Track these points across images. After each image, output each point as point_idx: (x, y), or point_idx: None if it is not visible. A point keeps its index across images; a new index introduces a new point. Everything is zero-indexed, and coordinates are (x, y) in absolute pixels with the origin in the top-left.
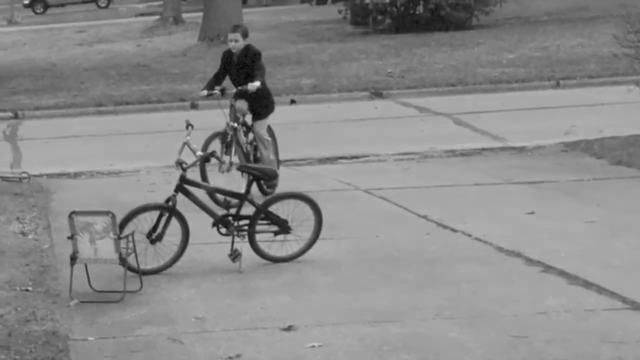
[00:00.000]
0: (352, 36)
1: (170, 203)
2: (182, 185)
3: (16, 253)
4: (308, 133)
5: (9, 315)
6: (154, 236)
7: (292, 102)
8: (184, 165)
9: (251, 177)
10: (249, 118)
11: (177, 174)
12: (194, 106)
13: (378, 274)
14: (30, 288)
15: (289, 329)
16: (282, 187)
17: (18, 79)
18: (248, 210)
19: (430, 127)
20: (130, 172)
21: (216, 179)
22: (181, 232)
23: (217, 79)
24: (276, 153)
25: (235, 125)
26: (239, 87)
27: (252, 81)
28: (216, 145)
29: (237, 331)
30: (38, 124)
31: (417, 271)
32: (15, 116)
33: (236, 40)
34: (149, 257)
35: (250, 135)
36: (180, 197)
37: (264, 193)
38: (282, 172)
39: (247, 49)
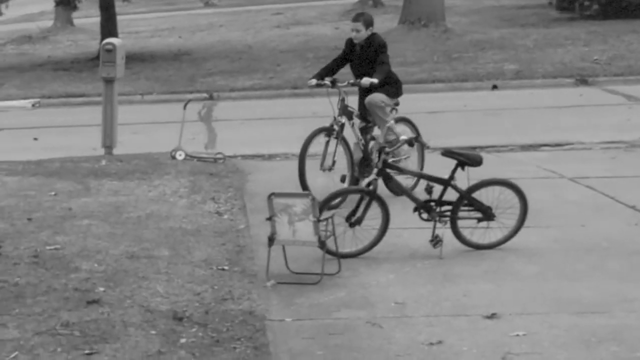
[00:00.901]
0: (557, 22)
1: (371, 187)
2: (384, 170)
3: (212, 232)
4: (510, 119)
5: (205, 294)
6: (354, 220)
7: (494, 87)
8: (387, 149)
9: (456, 163)
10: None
11: None
12: None
13: (585, 263)
14: (226, 267)
15: (492, 316)
16: (482, 173)
17: (214, 60)
18: (450, 195)
19: (639, 116)
20: None
21: (315, 177)
22: (381, 217)
23: (331, 68)
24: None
25: (343, 120)
26: (351, 81)
27: (371, 75)
28: (320, 142)
29: (438, 317)
30: (233, 105)
31: (625, 262)
32: (211, 97)
33: (357, 30)
34: (348, 240)
35: (374, 130)
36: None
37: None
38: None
39: (371, 39)
